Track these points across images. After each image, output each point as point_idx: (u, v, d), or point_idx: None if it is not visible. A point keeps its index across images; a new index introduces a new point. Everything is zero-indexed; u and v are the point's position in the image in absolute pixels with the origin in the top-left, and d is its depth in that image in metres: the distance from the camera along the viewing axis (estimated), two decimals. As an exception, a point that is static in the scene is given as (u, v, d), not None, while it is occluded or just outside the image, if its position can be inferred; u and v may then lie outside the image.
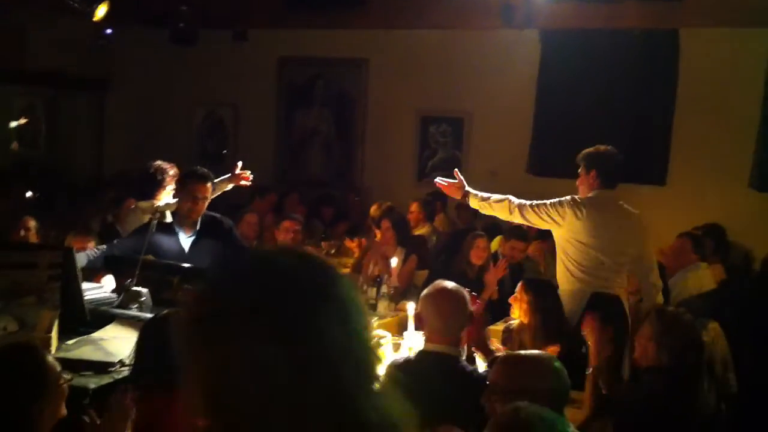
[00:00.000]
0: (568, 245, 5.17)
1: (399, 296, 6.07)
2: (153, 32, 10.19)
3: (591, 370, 4.18)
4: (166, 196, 5.84)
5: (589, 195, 5.22)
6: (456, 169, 5.62)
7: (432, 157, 10.36)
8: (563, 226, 5.15)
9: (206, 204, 5.35)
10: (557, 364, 3.09)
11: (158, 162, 6.00)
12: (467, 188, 5.45)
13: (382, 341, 4.62)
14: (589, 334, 4.25)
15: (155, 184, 5.86)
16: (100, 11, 7.81)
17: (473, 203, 5.46)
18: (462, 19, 9.39)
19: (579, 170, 5.37)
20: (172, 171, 5.91)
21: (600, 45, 9.05)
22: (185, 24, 9.73)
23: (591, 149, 5.41)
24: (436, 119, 10.29)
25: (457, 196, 5.56)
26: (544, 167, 9.44)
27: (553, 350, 4.24)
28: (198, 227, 5.35)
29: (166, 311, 3.57)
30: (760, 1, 8.23)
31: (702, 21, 8.54)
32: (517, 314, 4.80)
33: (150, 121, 11.10)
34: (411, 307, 4.82)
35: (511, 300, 4.85)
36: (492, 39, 9.54)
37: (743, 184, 8.50)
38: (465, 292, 3.76)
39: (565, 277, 5.16)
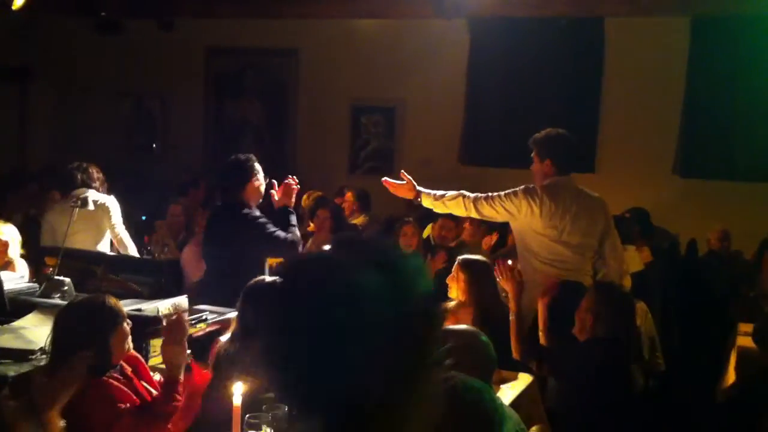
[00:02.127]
0: (527, 236, 5.06)
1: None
2: (77, 21, 9.97)
3: (512, 316, 4.33)
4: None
5: (545, 183, 5.05)
6: (402, 171, 5.36)
7: (365, 147, 10.34)
8: (519, 217, 5.01)
9: None
10: (483, 338, 3.20)
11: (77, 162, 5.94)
12: (418, 188, 5.22)
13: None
14: (504, 281, 4.41)
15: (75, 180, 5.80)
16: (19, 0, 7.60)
17: (426, 202, 5.24)
18: (393, 7, 9.36)
19: (532, 156, 5.20)
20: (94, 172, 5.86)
21: (528, 34, 9.12)
22: (110, 12, 9.55)
23: (542, 134, 5.19)
24: (368, 109, 10.27)
25: (409, 196, 5.28)
26: (476, 156, 9.51)
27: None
28: None
29: (82, 296, 3.55)
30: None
31: (627, 10, 8.66)
32: (455, 294, 4.82)
33: (74, 112, 10.85)
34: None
35: (448, 280, 4.87)
36: (423, 28, 9.55)
37: (667, 170, 8.68)
38: None
39: (529, 267, 5.00)
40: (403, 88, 9.90)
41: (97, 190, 5.86)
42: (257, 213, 5.27)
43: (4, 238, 5.18)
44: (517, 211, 4.98)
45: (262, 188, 5.40)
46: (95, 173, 5.96)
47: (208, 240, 5.47)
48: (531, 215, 4.96)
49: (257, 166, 5.36)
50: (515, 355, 4.44)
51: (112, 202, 5.92)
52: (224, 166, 5.47)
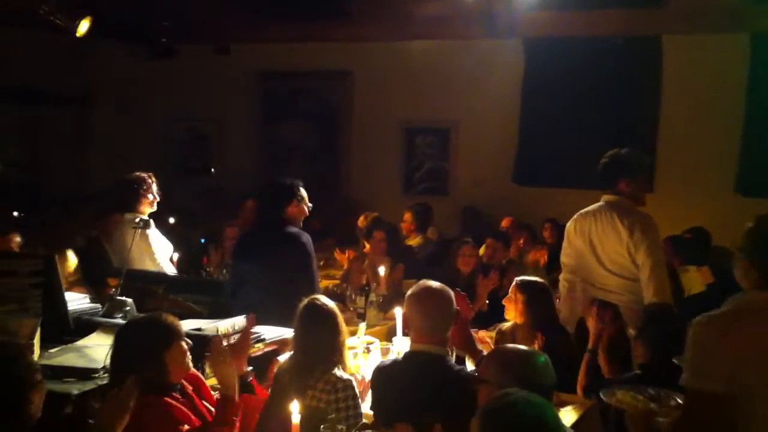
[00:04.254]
0: None
1: (387, 305, 6.01)
2: (133, 47, 10.14)
3: (587, 353, 4.24)
4: (148, 206, 5.77)
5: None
6: None
7: (419, 168, 10.33)
8: None
9: None
10: (543, 358, 3.16)
11: (136, 173, 5.92)
12: None
13: (371, 346, 4.58)
14: (589, 318, 4.32)
15: (135, 195, 5.79)
16: (83, 27, 7.78)
17: None
18: (445, 28, 9.37)
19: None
20: (150, 180, 5.84)
21: (583, 53, 9.05)
22: (165, 39, 9.70)
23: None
24: (422, 130, 10.28)
25: None
26: (531, 176, 9.44)
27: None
28: None
29: (141, 315, 3.58)
30: (740, 6, 8.27)
31: (683, 27, 8.56)
32: (512, 315, 4.76)
33: (131, 137, 11.02)
34: (399, 313, 4.78)
35: (504, 301, 4.81)
36: (475, 48, 9.54)
37: (729, 188, 8.51)
38: (450, 291, 3.71)
39: None
40: (457, 109, 9.89)
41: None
42: (301, 232, 5.28)
43: (73, 264, 5.30)
44: None
45: (306, 212, 5.42)
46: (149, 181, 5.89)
47: (245, 256, 5.45)
48: None
49: (303, 191, 5.39)
50: (579, 391, 4.35)
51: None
52: (267, 186, 5.48)
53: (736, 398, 2.80)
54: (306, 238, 5.26)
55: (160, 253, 5.65)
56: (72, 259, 5.73)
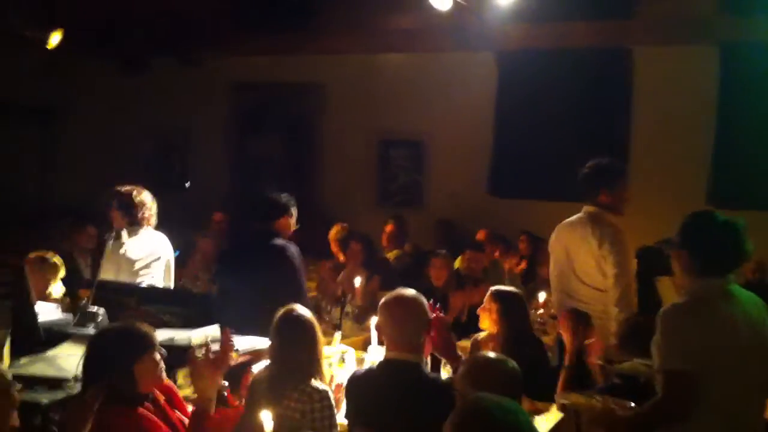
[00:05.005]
0: None
1: (363, 316, 5.99)
2: (104, 59, 10.06)
3: (564, 368, 4.22)
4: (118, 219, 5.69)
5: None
6: None
7: (393, 181, 10.32)
8: None
9: None
10: (511, 364, 3.24)
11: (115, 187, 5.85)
12: None
13: (345, 356, 4.55)
14: (563, 330, 4.31)
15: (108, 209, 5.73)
16: (54, 39, 7.71)
17: None
18: (417, 41, 9.41)
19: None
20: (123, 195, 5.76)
21: (555, 65, 9.09)
22: (136, 51, 9.64)
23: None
24: (395, 143, 10.27)
25: None
26: (506, 188, 9.45)
27: None
28: None
29: (114, 324, 3.56)
30: (710, 18, 8.37)
31: (654, 39, 8.65)
32: (486, 324, 4.74)
33: (100, 150, 10.90)
34: (374, 322, 4.74)
35: (479, 311, 4.80)
36: (448, 61, 9.58)
37: (700, 200, 8.56)
38: (423, 299, 3.70)
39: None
40: (430, 122, 9.90)
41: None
42: (289, 244, 5.24)
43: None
44: None
45: (292, 227, 5.46)
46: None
47: (232, 268, 5.41)
48: None
49: (295, 209, 5.46)
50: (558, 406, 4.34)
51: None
52: (262, 199, 5.46)
53: (705, 376, 3.11)
54: (294, 249, 5.26)
55: (144, 263, 5.59)
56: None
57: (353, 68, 10.19)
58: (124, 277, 5.42)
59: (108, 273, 5.28)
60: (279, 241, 5.24)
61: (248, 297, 5.04)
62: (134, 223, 5.61)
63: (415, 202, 10.08)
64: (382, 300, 3.76)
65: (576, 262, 5.10)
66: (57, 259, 5.68)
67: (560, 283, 5.23)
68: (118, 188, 5.75)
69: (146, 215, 5.68)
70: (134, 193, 5.69)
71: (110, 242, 5.07)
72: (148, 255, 5.64)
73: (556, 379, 4.32)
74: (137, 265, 5.57)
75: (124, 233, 5.36)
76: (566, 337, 4.40)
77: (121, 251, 5.53)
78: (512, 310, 4.73)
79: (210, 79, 10.71)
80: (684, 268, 3.38)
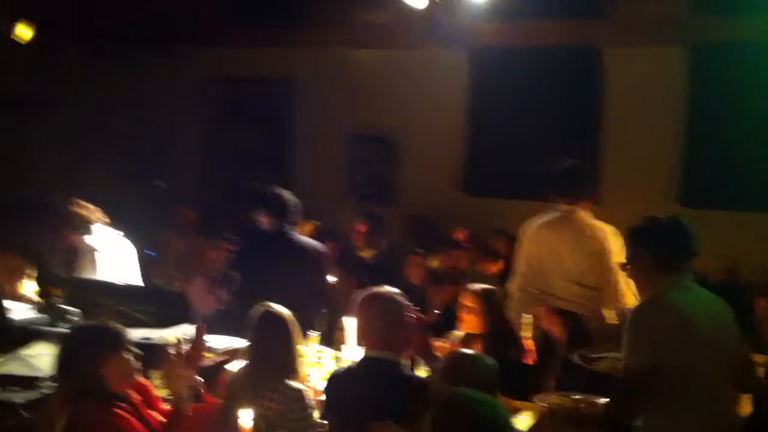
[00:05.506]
0: None
1: (337, 315, 5.96)
2: (76, 48, 9.91)
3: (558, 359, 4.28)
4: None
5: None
6: None
7: (363, 176, 10.30)
8: None
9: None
10: (489, 360, 3.36)
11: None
12: None
13: (321, 356, 4.54)
14: (551, 327, 4.36)
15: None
16: (21, 30, 7.55)
17: None
18: (390, 37, 9.40)
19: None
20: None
21: (527, 62, 9.12)
22: (108, 40, 9.52)
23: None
24: (366, 138, 10.23)
25: None
26: (480, 186, 9.46)
27: None
28: None
29: (85, 322, 3.54)
30: (681, 19, 8.44)
31: (625, 39, 8.70)
32: (471, 325, 4.76)
33: (72, 141, 10.74)
34: (349, 323, 4.73)
35: (463, 313, 4.81)
36: (420, 57, 9.58)
37: (670, 199, 8.64)
38: (400, 297, 3.69)
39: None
40: (402, 118, 9.87)
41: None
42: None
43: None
44: None
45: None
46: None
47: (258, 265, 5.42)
48: None
49: None
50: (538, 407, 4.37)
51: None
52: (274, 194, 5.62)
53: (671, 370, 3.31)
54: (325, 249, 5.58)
55: (109, 261, 5.48)
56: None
57: (325, 62, 10.14)
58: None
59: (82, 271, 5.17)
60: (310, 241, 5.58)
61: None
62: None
63: (386, 199, 10.07)
64: (359, 298, 3.75)
65: (568, 262, 4.97)
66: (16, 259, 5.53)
67: (534, 282, 5.16)
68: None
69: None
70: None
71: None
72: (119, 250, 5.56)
73: (533, 377, 4.36)
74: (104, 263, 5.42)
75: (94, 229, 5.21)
76: (557, 330, 4.44)
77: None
78: (495, 308, 4.75)
79: (183, 72, 10.61)
80: (641, 270, 3.59)
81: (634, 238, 3.69)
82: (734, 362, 3.52)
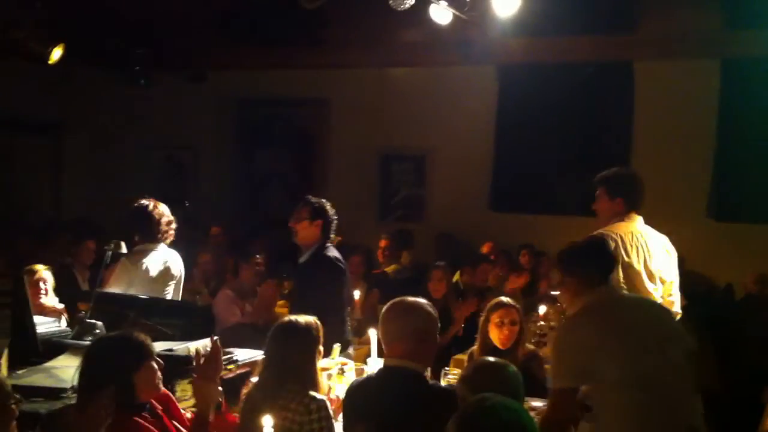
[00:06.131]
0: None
1: (362, 329, 5.99)
2: (109, 75, 10.11)
3: None
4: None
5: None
6: None
7: (395, 195, 10.34)
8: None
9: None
10: (512, 368, 3.39)
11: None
12: None
13: (345, 368, 4.55)
14: None
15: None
16: (56, 54, 7.73)
17: None
18: (419, 55, 9.44)
19: (597, 194, 5.13)
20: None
21: (556, 79, 9.13)
22: (141, 66, 9.69)
23: (611, 172, 5.17)
24: (398, 157, 10.30)
25: None
26: (507, 203, 9.46)
27: None
28: None
29: (112, 332, 3.56)
30: (711, 33, 8.39)
31: (654, 53, 8.67)
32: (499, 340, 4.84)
33: (107, 165, 10.94)
34: (373, 334, 4.75)
35: (504, 330, 4.89)
36: (449, 75, 9.62)
37: (701, 213, 8.57)
38: (427, 306, 3.68)
39: None
40: (432, 136, 9.93)
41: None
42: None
43: (46, 282, 5.39)
44: None
45: None
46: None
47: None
48: None
49: None
50: None
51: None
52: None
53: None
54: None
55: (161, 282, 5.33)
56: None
57: (356, 83, 10.25)
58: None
59: (119, 288, 5.05)
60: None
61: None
62: (153, 240, 5.32)
63: (417, 217, 10.10)
64: (385, 307, 3.74)
65: (654, 269, 4.91)
66: (45, 272, 5.62)
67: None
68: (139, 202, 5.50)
69: (164, 230, 5.38)
70: (151, 206, 5.43)
71: (109, 253, 5.00)
72: (164, 273, 5.33)
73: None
74: (154, 284, 5.23)
75: (123, 246, 5.16)
76: None
77: (141, 267, 5.21)
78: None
79: (215, 95, 10.77)
80: (569, 293, 3.78)
81: (560, 266, 3.90)
82: (679, 361, 3.54)
